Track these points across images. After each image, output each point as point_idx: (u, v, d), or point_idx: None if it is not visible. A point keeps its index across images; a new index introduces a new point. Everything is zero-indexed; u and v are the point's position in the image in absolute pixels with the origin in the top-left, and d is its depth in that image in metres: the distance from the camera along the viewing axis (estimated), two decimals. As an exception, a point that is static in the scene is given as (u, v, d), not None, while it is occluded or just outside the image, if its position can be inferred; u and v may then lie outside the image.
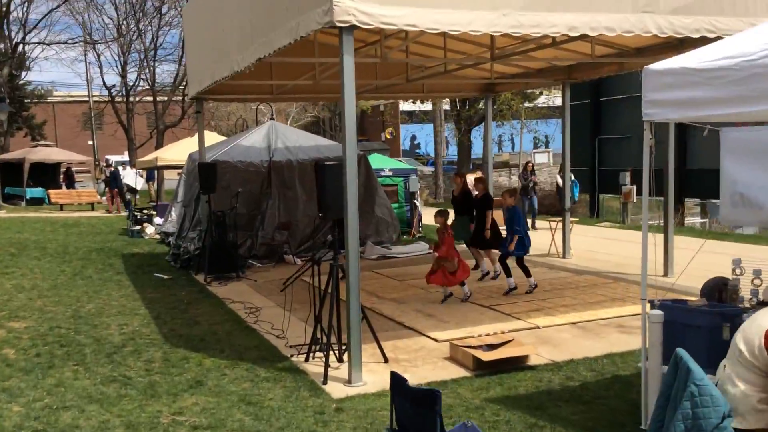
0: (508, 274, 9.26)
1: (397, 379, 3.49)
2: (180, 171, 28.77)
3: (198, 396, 5.69)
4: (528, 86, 15.29)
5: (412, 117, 54.66)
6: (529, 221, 15.54)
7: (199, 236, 12.87)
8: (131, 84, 35.22)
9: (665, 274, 10.33)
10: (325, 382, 6.05)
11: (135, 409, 5.26)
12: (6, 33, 30.38)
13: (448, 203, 27.23)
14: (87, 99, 42.44)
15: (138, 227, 16.86)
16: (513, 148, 48.07)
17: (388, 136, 53.40)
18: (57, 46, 35.71)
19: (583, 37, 9.22)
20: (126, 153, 44.11)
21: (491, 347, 6.46)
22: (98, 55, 42.26)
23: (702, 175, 20.26)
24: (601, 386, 5.72)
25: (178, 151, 18.83)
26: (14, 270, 11.08)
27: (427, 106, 40.20)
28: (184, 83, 34.13)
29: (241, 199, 12.47)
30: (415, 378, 6.10)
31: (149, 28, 34.03)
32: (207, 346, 7.38)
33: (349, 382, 6.05)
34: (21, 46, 31.56)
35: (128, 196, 28.09)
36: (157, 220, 17.45)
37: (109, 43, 34.94)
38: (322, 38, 11.30)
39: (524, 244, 9.14)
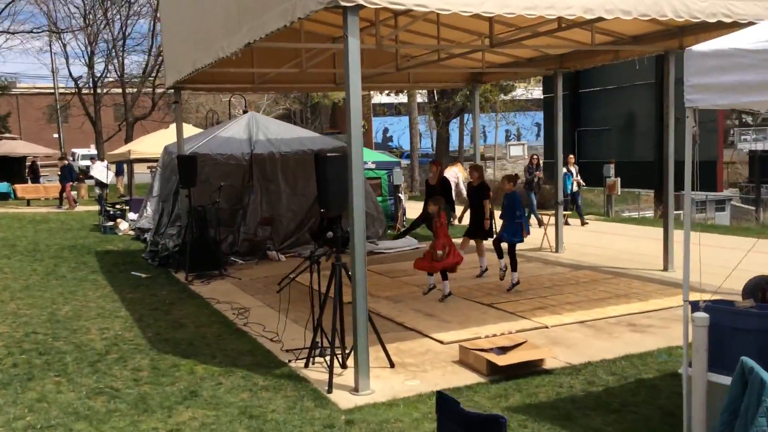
0: (515, 267, 8.94)
1: (446, 401, 3.04)
2: (150, 165, 28.07)
3: (194, 409, 5.23)
4: (517, 76, 14.99)
5: (391, 109, 54.29)
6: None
7: (179, 232, 12.31)
8: (99, 75, 34.25)
9: (665, 269, 10.09)
10: (329, 391, 5.63)
11: (128, 426, 4.77)
12: (-33, 21, 29.20)
13: (423, 196, 27.00)
14: (52, 91, 41.22)
15: (111, 223, 16.19)
16: (485, 140, 47.98)
17: (361, 129, 52.80)
18: (21, 36, 34.52)
19: (583, 24, 8.96)
20: (93, 146, 43.05)
21: (503, 350, 6.10)
22: (64, 46, 40.86)
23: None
24: (626, 391, 5.39)
25: (152, 144, 18.16)
26: (-18, 270, 10.45)
27: (401, 99, 39.84)
28: (153, 74, 33.32)
29: (223, 193, 11.94)
30: (425, 384, 5.71)
31: (117, 17, 33.10)
32: (197, 351, 6.90)
33: (356, 390, 5.63)
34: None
35: (97, 191, 27.29)
36: (131, 215, 16.79)
37: (76, 33, 33.89)
38: (308, 25, 10.86)
39: (519, 229, 8.83)
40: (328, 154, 6.11)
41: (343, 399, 5.47)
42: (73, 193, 27.90)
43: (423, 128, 44.70)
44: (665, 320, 7.42)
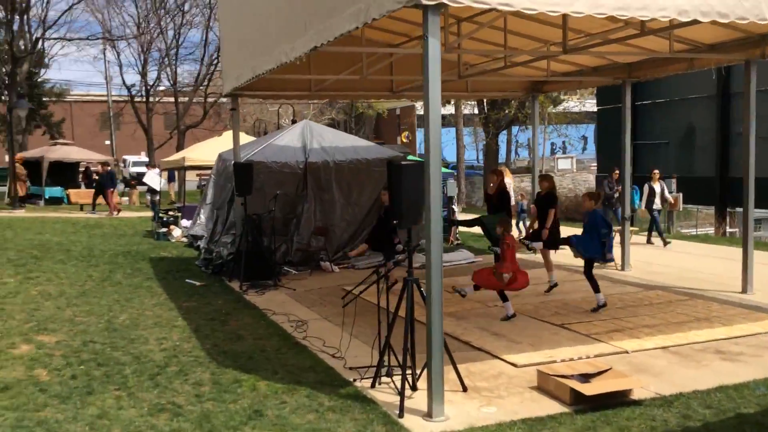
0: (597, 288, 8.47)
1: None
2: (200, 173, 28.23)
3: (261, 431, 4.93)
4: (581, 85, 14.49)
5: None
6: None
7: (233, 240, 12.16)
8: (151, 83, 34.73)
9: (743, 291, 9.49)
10: (401, 415, 5.28)
11: (193, 448, 4.50)
12: (26, 29, 29.88)
13: (474, 209, 26.53)
14: (105, 98, 42.03)
15: (164, 230, 16.16)
16: (530, 153, 47.23)
17: (405, 140, 52.73)
18: (76, 43, 35.22)
19: (662, 30, 8.50)
20: (143, 153, 43.71)
21: (585, 377, 5.67)
22: (118, 54, 41.75)
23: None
24: (728, 428, 4.92)
25: (206, 151, 18.15)
26: (39, 275, 10.38)
27: (446, 110, 39.43)
28: (205, 83, 33.64)
29: (277, 201, 11.73)
30: (503, 412, 5.32)
31: (171, 26, 33.53)
32: (257, 365, 6.63)
33: (429, 415, 5.27)
34: (40, 42, 31.08)
35: (148, 197, 27.55)
36: (184, 222, 16.75)
37: (130, 42, 34.46)
38: (368, 32, 10.61)
39: (602, 247, 8.37)
40: (403, 162, 5.79)
41: (416, 425, 5.11)
42: (125, 199, 28.30)
43: (468, 140, 44.24)
44: (756, 348, 6.89)
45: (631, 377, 5.80)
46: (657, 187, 15.10)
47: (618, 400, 5.43)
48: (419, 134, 54.44)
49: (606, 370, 5.76)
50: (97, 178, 23.62)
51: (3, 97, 34.81)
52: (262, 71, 9.25)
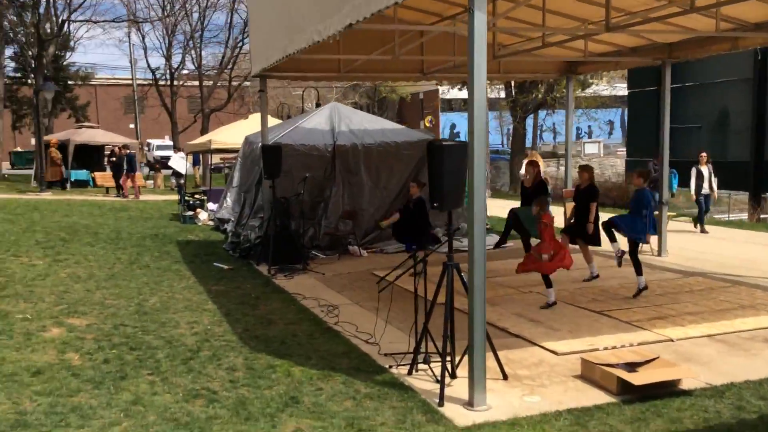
0: (639, 271, 8.21)
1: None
2: (224, 156, 28.18)
3: (298, 419, 4.79)
4: (618, 66, 14.06)
5: (455, 106, 53.56)
6: None
7: (261, 224, 12.04)
8: (176, 66, 34.70)
9: (788, 279, 9.18)
10: (441, 404, 5.11)
11: (231, 436, 4.37)
12: (52, 11, 29.92)
13: (499, 194, 26.18)
14: (130, 81, 42.10)
15: (190, 213, 16.11)
16: (555, 138, 46.64)
17: (428, 125, 52.37)
18: (102, 26, 35.24)
19: (709, 8, 8.17)
20: (167, 137, 43.82)
21: (631, 366, 5.45)
22: (143, 37, 41.73)
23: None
24: (787, 421, 4.68)
25: (232, 134, 18.05)
26: (68, 257, 10.34)
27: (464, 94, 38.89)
28: (230, 66, 33.55)
29: (305, 185, 11.58)
30: (548, 402, 5.13)
31: (195, 8, 33.42)
32: (290, 351, 6.50)
33: (470, 404, 5.10)
34: (66, 25, 31.11)
35: (173, 180, 27.57)
36: (210, 205, 16.69)
37: (154, 24, 34.41)
38: (400, 12, 10.35)
39: (649, 228, 8.12)
40: (444, 143, 5.57)
41: (457, 415, 4.94)
42: (150, 182, 28.36)
43: (493, 124, 43.77)
44: (807, 337, 6.62)
45: (680, 366, 5.57)
46: (705, 170, 14.59)
47: (667, 390, 5.22)
48: (443, 118, 54.07)
49: (653, 359, 5.53)
50: (114, 160, 23.59)
51: (29, 80, 35.04)
52: (293, 50, 9.05)
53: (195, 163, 27.43)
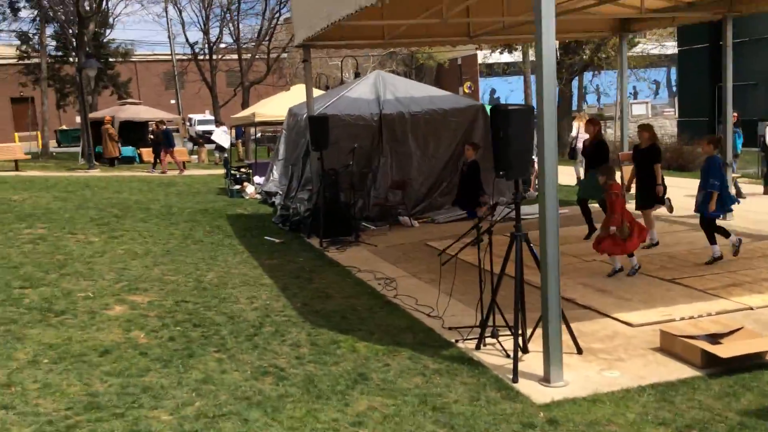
0: (713, 239, 7.85)
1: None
2: (265, 129, 28.14)
3: (369, 396, 4.67)
4: (675, 22, 13.45)
5: (495, 69, 52.58)
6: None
7: (310, 197, 11.93)
8: (214, 40, 34.63)
9: None
10: (515, 380, 4.93)
11: (306, 416, 4.26)
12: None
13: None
14: (169, 57, 42.27)
15: (237, 187, 16.10)
16: (599, 100, 45.47)
17: (467, 90, 51.53)
18: (140, 0, 35.21)
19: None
20: (208, 112, 44.01)
21: (714, 337, 5.19)
22: (179, 11, 41.80)
23: None
24: None
25: (275, 106, 17.90)
26: (122, 234, 10.38)
27: (507, 58, 38.01)
28: (268, 38, 33.34)
29: (354, 155, 11.39)
30: (629, 377, 4.91)
31: (231, -21, 33.14)
32: (351, 325, 6.38)
33: (546, 380, 4.91)
34: (105, 1, 31.25)
35: (217, 154, 27.69)
36: (257, 179, 16.66)
37: (192, -3, 34.27)
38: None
39: (724, 203, 7.73)
40: (510, 108, 5.31)
41: (534, 391, 4.76)
42: (194, 157, 28.53)
43: (535, 88, 42.82)
44: None
45: (766, 337, 5.28)
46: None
47: (754, 362, 4.95)
48: (482, 84, 53.15)
49: (737, 330, 5.26)
50: (152, 137, 23.75)
51: (71, 58, 35.39)
52: (338, 17, 8.78)
53: (238, 136, 27.46)
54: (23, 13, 34.43)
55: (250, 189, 15.95)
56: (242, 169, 17.50)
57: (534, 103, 5.99)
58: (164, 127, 22.86)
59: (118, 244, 9.69)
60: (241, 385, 4.71)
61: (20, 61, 37.62)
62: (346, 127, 12.20)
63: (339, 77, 39.20)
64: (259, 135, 29.67)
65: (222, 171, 21.42)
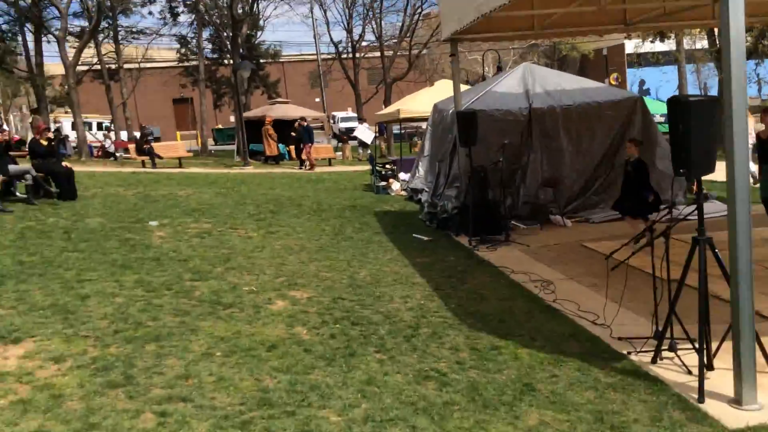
0: None
1: None
2: (407, 126, 28.29)
3: (539, 409, 4.43)
4: None
5: (639, 60, 49.90)
6: None
7: (458, 194, 11.77)
8: (356, 38, 35.34)
9: None
10: (701, 400, 4.50)
11: (474, 427, 4.11)
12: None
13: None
14: (315, 57, 43.64)
15: (383, 183, 16.26)
16: (759, 90, 41.85)
17: (613, 82, 49.13)
18: (289, 1, 36.50)
19: None
20: (350, 109, 45.05)
21: None
22: (324, 11, 43.02)
23: None
24: None
25: (420, 102, 17.90)
26: (278, 229, 10.74)
27: (658, 47, 35.76)
28: (409, 34, 33.56)
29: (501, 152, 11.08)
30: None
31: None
32: (511, 330, 6.15)
33: (736, 402, 4.45)
34: (256, 3, 32.74)
35: (360, 150, 28.23)
36: (402, 175, 16.74)
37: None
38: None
39: None
40: (690, 98, 4.84)
41: (724, 414, 4.32)
42: (338, 153, 29.23)
43: (690, 78, 40.18)
44: None
45: None
46: None
47: None
48: (629, 74, 50.58)
49: None
50: (294, 135, 24.57)
51: (226, 60, 37.41)
52: (491, 8, 8.52)
53: (380, 132, 27.83)
54: (182, 18, 36.71)
55: (395, 186, 16.05)
56: (387, 166, 17.64)
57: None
58: (305, 123, 23.69)
59: (275, 239, 10.01)
60: (405, 389, 4.63)
61: (180, 64, 40.34)
62: (493, 123, 11.93)
63: (479, 72, 38.69)
64: (401, 131, 29.98)
65: (366, 167, 21.79)
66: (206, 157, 29.31)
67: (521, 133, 12.13)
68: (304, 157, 22.96)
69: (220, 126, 46.05)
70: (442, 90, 17.61)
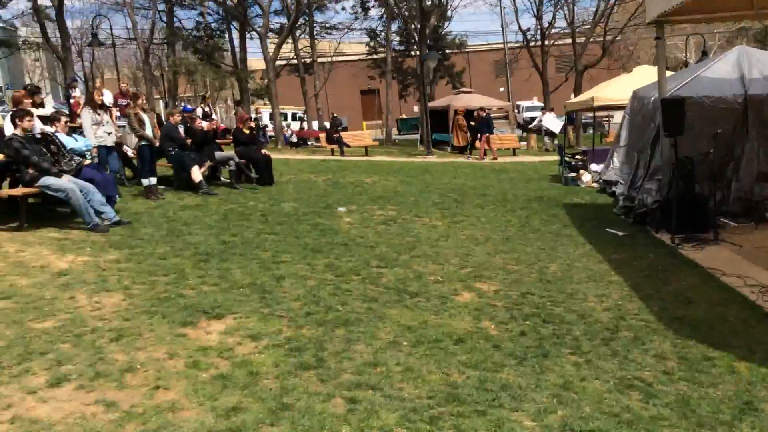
0: None
1: None
2: (590, 114, 26.88)
3: (766, 434, 3.85)
4: None
5: None
6: None
7: (659, 187, 10.86)
8: (546, 25, 34.23)
9: None
10: None
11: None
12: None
13: None
14: (501, 46, 43.00)
15: (573, 174, 15.52)
16: None
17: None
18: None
19: None
20: (535, 98, 43.83)
21: None
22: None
23: None
24: None
25: (615, 90, 16.85)
26: (462, 219, 10.56)
27: None
28: (604, 20, 31.88)
29: (715, 142, 10.03)
30: None
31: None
32: (724, 340, 5.47)
33: None
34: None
35: (547, 140, 27.34)
36: (594, 166, 15.87)
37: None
38: None
39: None
40: None
41: None
42: (523, 143, 28.49)
43: None
44: None
45: None
46: None
47: None
48: None
49: None
50: (473, 124, 24.17)
51: (413, 52, 37.91)
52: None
53: (570, 122, 26.73)
54: (372, 12, 37.71)
55: (586, 177, 15.25)
56: (577, 156, 16.82)
57: None
58: (484, 113, 23.32)
59: (460, 228, 9.84)
60: (605, 398, 4.24)
61: (369, 57, 41.59)
62: (702, 111, 10.84)
63: (679, 58, 35.87)
64: (592, 120, 28.56)
65: (552, 158, 21.02)
66: (390, 146, 29.90)
67: (734, 122, 10.93)
68: (479, 146, 22.65)
69: (404, 116, 46.92)
70: (640, 77, 16.42)
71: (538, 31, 34.44)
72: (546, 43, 34.09)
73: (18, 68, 68.19)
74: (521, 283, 7.07)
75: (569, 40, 34.30)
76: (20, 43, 42.61)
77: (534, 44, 35.03)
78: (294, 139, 29.70)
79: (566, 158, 16.43)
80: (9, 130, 8.52)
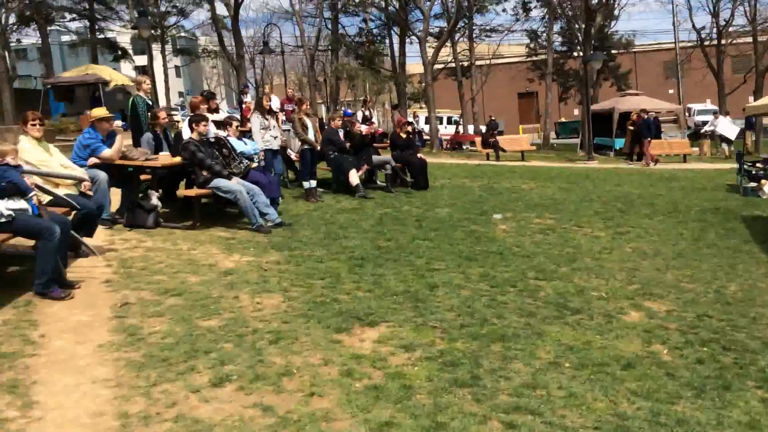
0: None
1: None
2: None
3: None
4: None
5: None
6: None
7: None
8: (723, 23, 31.71)
9: None
10: None
11: None
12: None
13: None
14: (672, 45, 40.33)
15: (753, 184, 14.13)
16: None
17: None
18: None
19: None
20: (708, 101, 40.69)
21: None
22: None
23: None
24: None
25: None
26: (628, 230, 9.88)
27: None
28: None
29: None
30: None
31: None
32: None
33: None
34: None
35: (724, 146, 25.29)
36: (779, 176, 14.37)
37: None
38: None
39: None
40: None
41: None
42: (695, 149, 26.51)
43: None
44: None
45: None
46: None
47: None
48: None
49: None
50: (632, 128, 22.68)
51: (575, 53, 36.60)
52: None
53: (748, 126, 24.51)
54: (533, 13, 36.86)
55: (768, 188, 13.84)
56: (758, 164, 15.32)
57: None
58: (645, 116, 21.93)
59: (625, 240, 9.23)
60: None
61: (528, 59, 40.70)
62: None
63: None
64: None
65: (727, 165, 19.38)
66: (548, 151, 28.99)
67: None
68: (644, 151, 21.34)
69: (563, 119, 45.45)
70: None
71: (714, 29, 32.04)
72: (722, 42, 31.60)
73: (197, 75, 73.92)
74: (697, 303, 6.45)
75: (749, 39, 31.57)
76: (200, 51, 46.08)
77: (709, 43, 32.63)
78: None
79: (745, 166, 15.01)
80: (186, 134, 9.12)
